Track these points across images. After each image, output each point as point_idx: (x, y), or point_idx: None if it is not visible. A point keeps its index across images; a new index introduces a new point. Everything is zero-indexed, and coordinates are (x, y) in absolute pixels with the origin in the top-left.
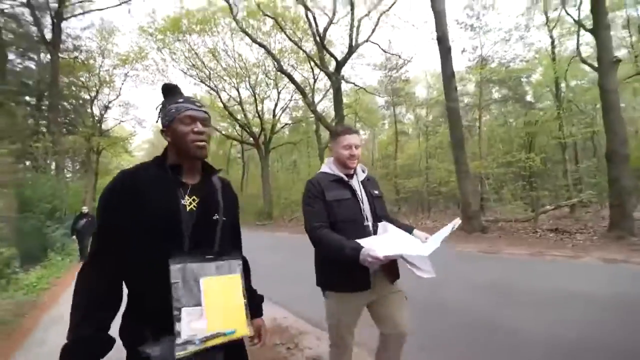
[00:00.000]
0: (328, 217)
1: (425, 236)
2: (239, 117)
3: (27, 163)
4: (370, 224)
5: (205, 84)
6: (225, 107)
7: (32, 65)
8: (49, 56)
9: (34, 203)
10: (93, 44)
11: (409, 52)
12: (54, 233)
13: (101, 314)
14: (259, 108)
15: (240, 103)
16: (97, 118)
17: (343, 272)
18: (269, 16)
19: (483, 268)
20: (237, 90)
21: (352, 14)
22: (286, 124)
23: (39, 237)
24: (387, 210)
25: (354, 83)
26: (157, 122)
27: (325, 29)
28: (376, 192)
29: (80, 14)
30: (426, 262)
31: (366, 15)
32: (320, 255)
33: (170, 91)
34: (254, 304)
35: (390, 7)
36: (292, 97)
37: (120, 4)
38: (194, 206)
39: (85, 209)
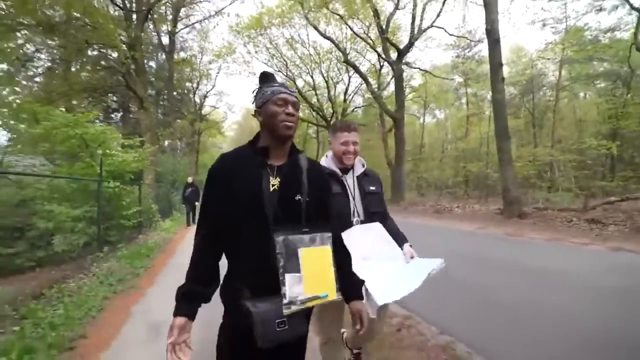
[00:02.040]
0: None
1: (411, 256)
2: (313, 101)
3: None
4: (358, 219)
5: (283, 73)
6: (300, 92)
7: (153, 64)
8: (163, 56)
9: (163, 176)
10: (194, 44)
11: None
12: (175, 197)
13: (200, 269)
14: (332, 93)
15: (314, 88)
16: (197, 105)
17: None
18: (334, 13)
19: (482, 245)
20: (312, 76)
21: (414, 3)
22: (356, 107)
23: (167, 200)
24: (386, 208)
25: (418, 68)
26: (252, 103)
27: (389, 19)
28: (372, 187)
29: (187, 26)
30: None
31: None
32: None
33: (267, 77)
34: (352, 285)
35: None
36: (361, 82)
37: (216, 14)
38: (277, 187)
39: (190, 180)
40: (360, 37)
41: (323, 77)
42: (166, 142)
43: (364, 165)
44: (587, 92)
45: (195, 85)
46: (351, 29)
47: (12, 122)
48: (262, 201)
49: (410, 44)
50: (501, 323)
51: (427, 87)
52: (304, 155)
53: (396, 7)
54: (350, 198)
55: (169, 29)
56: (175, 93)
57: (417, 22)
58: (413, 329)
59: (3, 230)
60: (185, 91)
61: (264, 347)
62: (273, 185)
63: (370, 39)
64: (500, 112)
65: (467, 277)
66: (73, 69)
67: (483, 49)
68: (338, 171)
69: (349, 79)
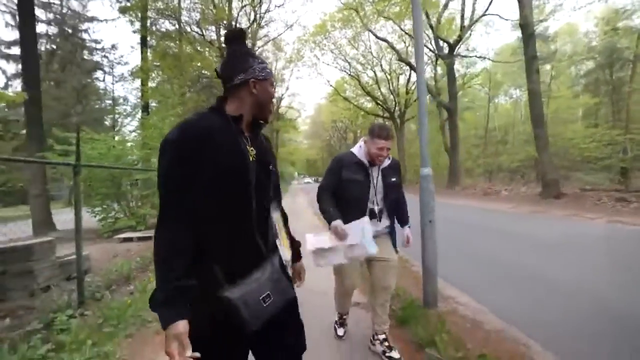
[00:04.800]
0: (336, 189)
1: (407, 239)
2: (377, 94)
3: None
4: (375, 207)
5: (347, 72)
6: (363, 88)
7: None
8: None
9: None
10: (270, 55)
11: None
12: None
13: (188, 259)
14: (394, 85)
15: (377, 82)
16: (274, 106)
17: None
18: (385, 17)
19: (494, 218)
20: (374, 72)
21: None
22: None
23: None
24: (402, 193)
25: (474, 56)
26: (240, 72)
27: (440, 15)
28: (393, 179)
29: (264, 44)
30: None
31: None
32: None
33: (237, 37)
34: (295, 249)
35: None
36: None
37: (286, 29)
38: (254, 156)
39: None
40: (412, 37)
41: (384, 72)
42: None
43: (389, 158)
44: None
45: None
46: (403, 30)
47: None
48: (247, 170)
49: (459, 39)
50: (455, 256)
51: (492, 71)
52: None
53: (445, 6)
54: (372, 187)
55: (251, 45)
56: None
57: (467, 14)
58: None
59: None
60: None
61: (254, 329)
62: (251, 155)
63: (426, 34)
64: (536, 102)
65: (455, 235)
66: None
67: (551, 26)
68: (367, 162)
69: (410, 71)
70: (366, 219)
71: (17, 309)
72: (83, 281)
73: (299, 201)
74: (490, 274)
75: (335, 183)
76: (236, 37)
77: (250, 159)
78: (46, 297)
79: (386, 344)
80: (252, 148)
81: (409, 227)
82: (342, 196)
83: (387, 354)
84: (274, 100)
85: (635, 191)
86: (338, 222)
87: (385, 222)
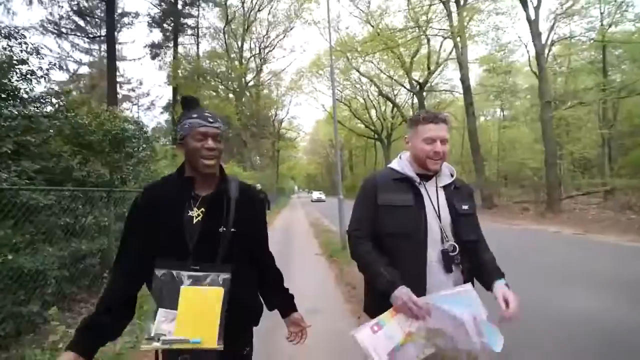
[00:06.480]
0: (374, 226)
1: (504, 298)
2: (365, 117)
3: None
4: (438, 248)
5: (339, 101)
6: (354, 112)
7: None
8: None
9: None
10: (272, 82)
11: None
12: None
13: (114, 300)
14: (382, 110)
15: (367, 108)
16: (276, 128)
17: (382, 299)
18: (370, 61)
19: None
20: (364, 99)
21: (428, 46)
22: (404, 121)
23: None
24: (481, 234)
25: (442, 90)
26: (178, 136)
27: (412, 58)
28: (465, 207)
29: (269, 79)
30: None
31: (448, 37)
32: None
33: (189, 103)
34: (286, 302)
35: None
36: (405, 100)
37: (288, 65)
38: (200, 218)
39: (258, 186)
40: (390, 77)
41: (371, 100)
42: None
43: (452, 174)
44: None
45: (273, 112)
46: (381, 71)
47: None
48: (182, 234)
49: (428, 78)
50: None
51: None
52: (237, 182)
53: (416, 52)
54: (431, 213)
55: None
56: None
57: (433, 58)
58: None
59: None
60: (268, 115)
61: None
62: (197, 217)
63: (395, 80)
64: (473, 137)
65: None
66: None
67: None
68: (415, 176)
69: (395, 99)
70: (469, 286)
71: None
72: None
73: (298, 216)
74: None
75: (372, 218)
76: (184, 104)
77: (193, 221)
78: None
79: None
80: (201, 210)
81: (505, 283)
82: (380, 234)
83: None
84: (271, 121)
85: (539, 202)
86: (405, 292)
87: (458, 275)
